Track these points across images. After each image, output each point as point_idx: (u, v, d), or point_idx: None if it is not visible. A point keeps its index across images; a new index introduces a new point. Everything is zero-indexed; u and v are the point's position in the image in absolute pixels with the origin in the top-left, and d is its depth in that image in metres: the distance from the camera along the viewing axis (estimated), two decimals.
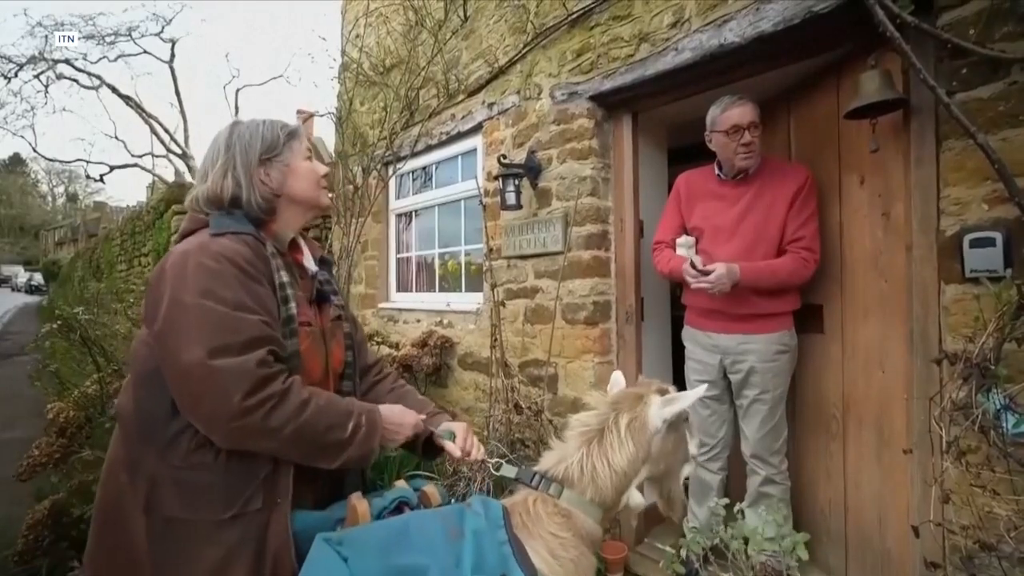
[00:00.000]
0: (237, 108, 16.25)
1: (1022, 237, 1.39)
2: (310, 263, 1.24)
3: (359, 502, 1.04)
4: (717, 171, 2.19)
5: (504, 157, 2.84)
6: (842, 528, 2.10)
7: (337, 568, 0.83)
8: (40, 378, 5.46)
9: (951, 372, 1.40)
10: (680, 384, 2.46)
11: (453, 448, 1.22)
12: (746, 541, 1.42)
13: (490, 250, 3.00)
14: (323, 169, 1.21)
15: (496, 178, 2.86)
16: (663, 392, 1.15)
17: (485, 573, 0.86)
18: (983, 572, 1.29)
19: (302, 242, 1.28)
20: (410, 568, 0.86)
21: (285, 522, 1.01)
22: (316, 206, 1.22)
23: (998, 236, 1.42)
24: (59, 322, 2.70)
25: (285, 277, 1.09)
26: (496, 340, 2.82)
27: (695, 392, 1.13)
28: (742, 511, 1.50)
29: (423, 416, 1.23)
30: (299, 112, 19.57)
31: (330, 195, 1.27)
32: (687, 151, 3.48)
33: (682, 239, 2.18)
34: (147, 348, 1.04)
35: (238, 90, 20.18)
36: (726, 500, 1.62)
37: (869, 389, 1.99)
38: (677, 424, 1.14)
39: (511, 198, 2.74)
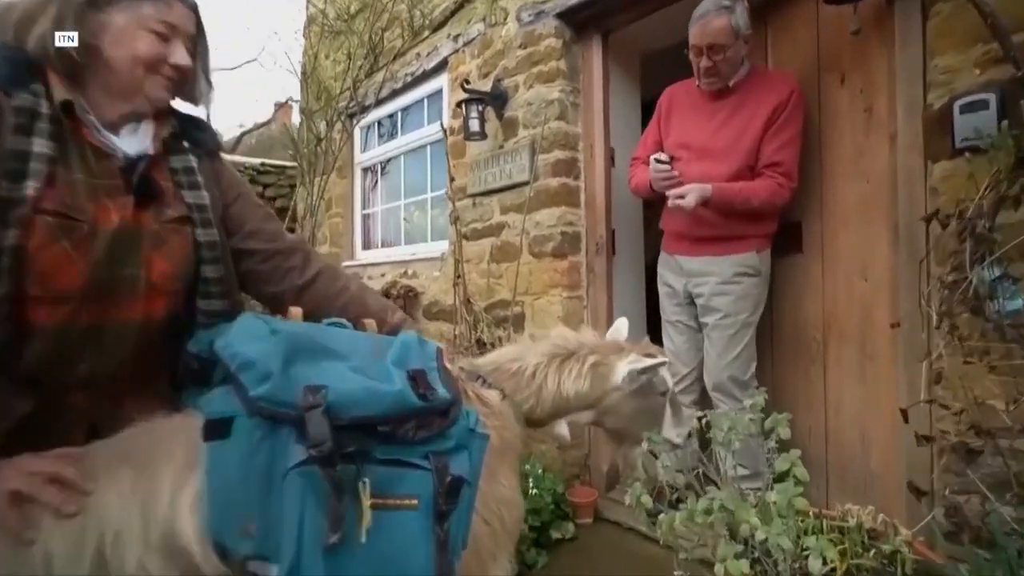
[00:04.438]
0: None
1: (1018, 98, 1.26)
2: (126, 144, 0.87)
3: (295, 310, 0.98)
4: (697, 82, 2.01)
5: (467, 82, 2.67)
6: (823, 455, 1.97)
7: (260, 325, 0.79)
8: None
9: (940, 240, 1.26)
10: (654, 318, 2.33)
11: None
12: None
13: (451, 179, 2.81)
14: (176, 57, 0.88)
15: (459, 105, 2.68)
16: (649, 355, 1.11)
17: (405, 368, 0.79)
18: (976, 456, 1.16)
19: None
20: (331, 351, 0.80)
21: None
22: (137, 92, 0.87)
23: (991, 97, 1.29)
24: None
25: (38, 147, 0.78)
26: (459, 278, 2.64)
27: (661, 359, 1.09)
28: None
29: None
30: (277, 104, 19.06)
31: (166, 89, 0.90)
32: None
33: (658, 154, 2.03)
34: None
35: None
36: (698, 413, 1.47)
37: (851, 302, 1.86)
38: (645, 393, 1.10)
39: (475, 124, 2.58)
